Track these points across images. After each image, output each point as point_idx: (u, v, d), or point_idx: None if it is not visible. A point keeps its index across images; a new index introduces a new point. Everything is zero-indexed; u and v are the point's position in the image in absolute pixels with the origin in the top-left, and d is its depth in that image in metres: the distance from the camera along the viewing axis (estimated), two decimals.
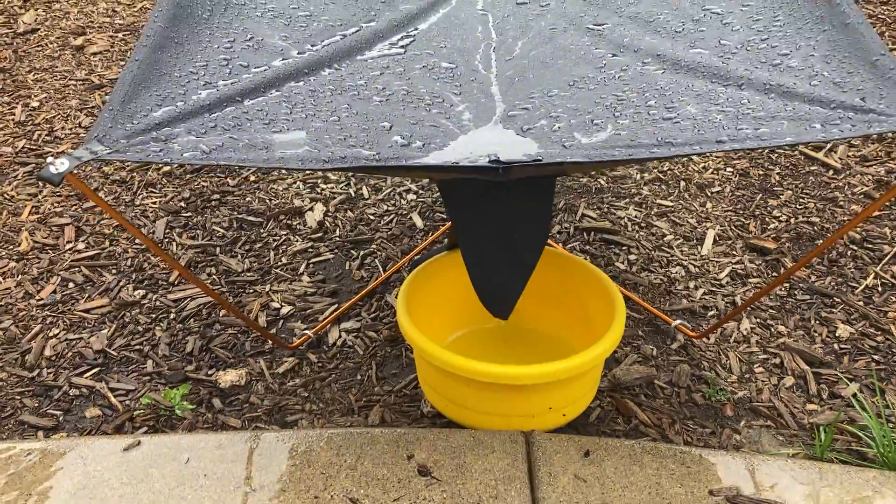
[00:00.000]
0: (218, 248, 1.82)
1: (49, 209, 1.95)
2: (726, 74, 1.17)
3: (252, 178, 2.08)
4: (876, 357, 1.46)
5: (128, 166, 2.10)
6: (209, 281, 1.71)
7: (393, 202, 1.99)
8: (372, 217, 1.93)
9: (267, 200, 1.98)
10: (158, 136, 1.02)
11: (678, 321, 1.51)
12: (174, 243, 1.84)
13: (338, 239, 1.85)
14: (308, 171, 2.10)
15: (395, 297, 1.59)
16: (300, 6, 1.43)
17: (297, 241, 1.84)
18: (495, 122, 1.20)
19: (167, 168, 2.12)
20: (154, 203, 1.99)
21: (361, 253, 1.80)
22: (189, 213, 1.94)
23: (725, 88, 1.14)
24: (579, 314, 1.44)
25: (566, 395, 1.25)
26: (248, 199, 2.00)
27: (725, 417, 1.35)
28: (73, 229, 1.89)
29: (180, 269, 1.16)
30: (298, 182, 2.06)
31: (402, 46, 1.38)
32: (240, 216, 1.93)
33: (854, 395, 1.37)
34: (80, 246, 1.83)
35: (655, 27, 1.35)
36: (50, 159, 0.96)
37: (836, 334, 1.52)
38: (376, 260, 1.78)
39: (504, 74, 1.33)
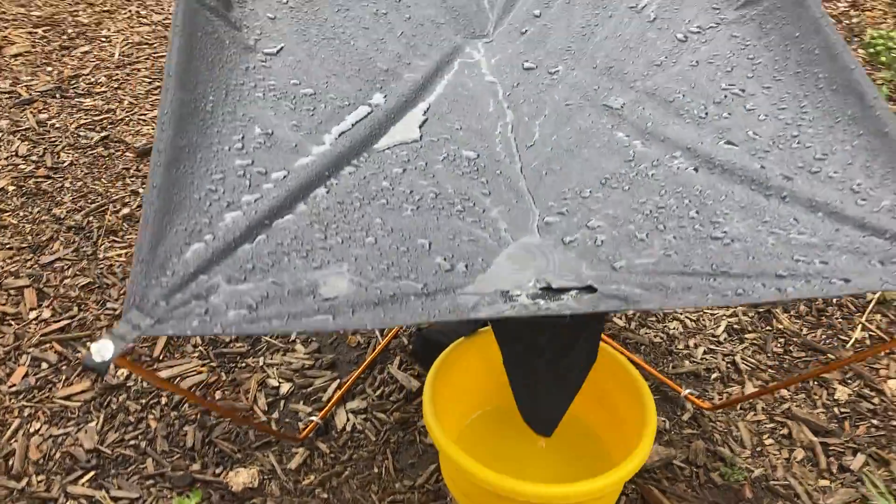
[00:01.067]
0: None
1: (1, 267, 1.79)
2: (766, 182, 1.14)
3: None
4: (875, 421, 1.52)
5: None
6: (196, 353, 1.62)
7: None
8: None
9: None
10: (199, 292, 0.93)
11: (687, 391, 1.52)
12: None
13: None
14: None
15: (423, 390, 1.54)
16: (301, 81, 1.32)
17: None
18: (532, 231, 1.16)
19: (136, 212, 1.97)
20: (118, 255, 1.86)
21: None
22: None
23: (768, 200, 1.12)
24: (599, 395, 1.43)
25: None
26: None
27: (745, 500, 1.37)
28: (35, 292, 1.74)
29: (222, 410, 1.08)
30: None
31: (419, 131, 1.31)
32: None
33: (862, 469, 1.42)
34: (46, 314, 1.69)
35: (677, 109, 1.31)
36: (91, 345, 0.87)
37: (835, 397, 1.57)
38: None
39: (530, 166, 1.27)
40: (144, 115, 2.35)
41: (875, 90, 1.21)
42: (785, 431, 1.48)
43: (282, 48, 1.37)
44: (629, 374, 1.36)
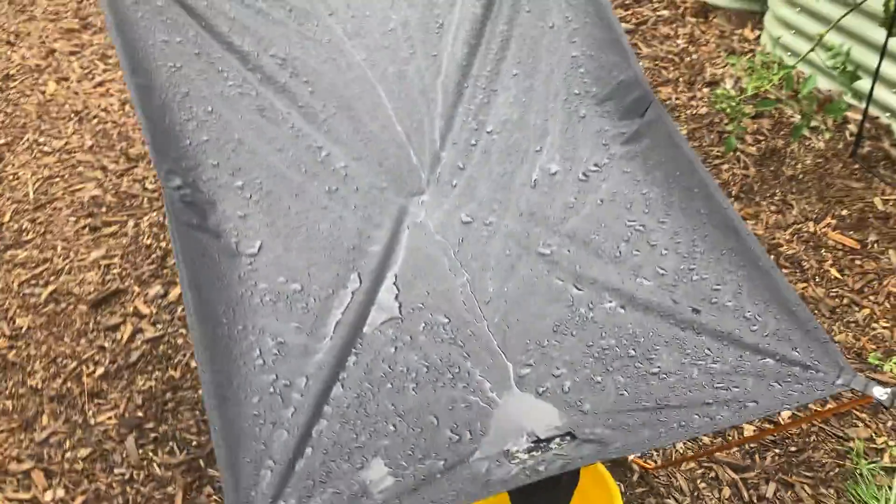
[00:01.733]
0: (202, 461, 1.91)
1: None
2: (680, 315, 1.47)
3: (194, 363, 2.14)
4: (776, 450, 1.91)
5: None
6: (211, 502, 1.81)
7: None
8: None
9: None
10: None
11: (632, 455, 1.86)
12: (155, 465, 1.90)
13: None
14: None
15: None
16: (287, 278, 1.54)
17: None
18: (511, 386, 1.44)
19: (110, 368, 2.11)
20: (109, 419, 2.01)
21: None
22: (151, 424, 1.99)
23: (685, 333, 1.45)
24: None
25: None
26: (200, 391, 2.07)
27: None
28: (41, 473, 1.88)
29: None
30: None
31: (396, 304, 1.56)
32: (205, 416, 2.01)
33: (775, 495, 1.81)
34: (60, 492, 1.84)
35: (595, 250, 1.62)
36: None
37: (744, 433, 1.96)
38: None
39: (493, 322, 1.55)
40: (83, 259, 2.47)
41: (745, 226, 1.57)
42: (713, 475, 1.85)
43: (261, 246, 1.59)
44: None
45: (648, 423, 1.33)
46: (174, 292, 2.32)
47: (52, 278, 2.40)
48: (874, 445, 1.87)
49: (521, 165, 1.79)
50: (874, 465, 1.82)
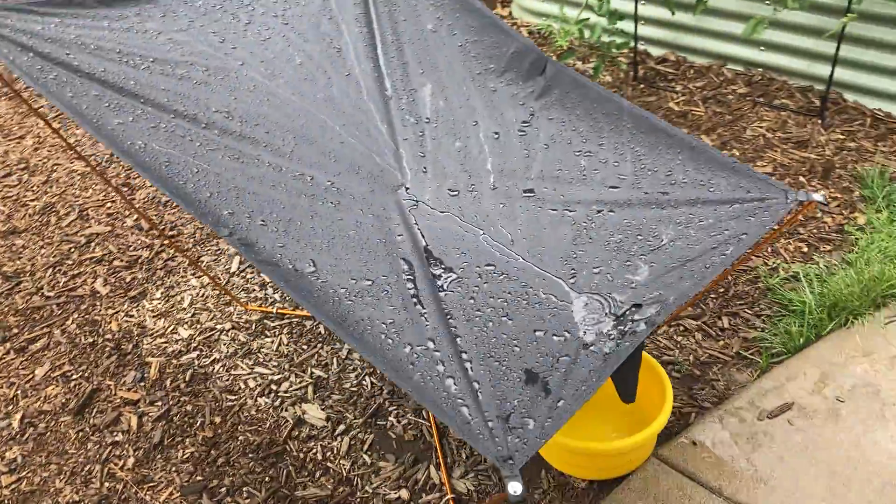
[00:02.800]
0: (284, 490, 1.99)
1: None
2: (655, 200, 1.91)
3: (218, 419, 2.18)
4: (713, 296, 2.43)
5: None
6: None
7: None
8: None
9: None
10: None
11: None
12: None
13: None
14: None
15: None
16: (356, 277, 1.74)
17: None
18: (570, 292, 1.77)
19: (139, 455, 2.08)
20: (171, 494, 2.00)
21: None
22: (215, 482, 2.02)
23: (665, 210, 1.89)
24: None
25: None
26: (242, 438, 2.12)
27: None
28: None
29: None
30: None
31: (448, 268, 1.81)
32: (262, 454, 2.07)
33: None
34: None
35: (566, 180, 2.00)
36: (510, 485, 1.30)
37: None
38: None
39: (525, 256, 1.87)
40: (31, 380, 2.36)
41: (666, 123, 2.03)
42: (682, 328, 2.32)
43: (313, 262, 1.76)
44: (652, 367, 2.04)
45: (685, 275, 1.74)
46: (152, 371, 2.32)
47: (11, 408, 2.27)
48: (770, 267, 2.43)
49: (468, 139, 2.13)
50: (777, 278, 2.40)
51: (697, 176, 1.92)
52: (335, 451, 2.06)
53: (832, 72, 2.95)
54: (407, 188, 2.06)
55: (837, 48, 2.88)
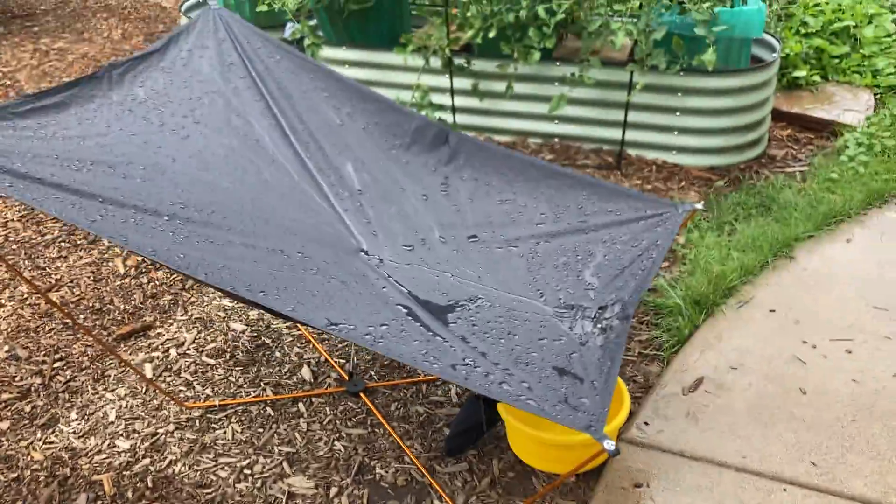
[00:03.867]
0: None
1: None
2: (576, 228, 2.29)
3: None
4: None
5: None
6: None
7: None
8: None
9: None
10: None
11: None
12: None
13: None
14: None
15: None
16: (369, 323, 1.90)
17: None
18: (549, 310, 2.07)
19: None
20: None
21: None
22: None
23: (587, 234, 2.28)
24: None
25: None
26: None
27: None
28: None
29: None
30: None
31: (445, 304, 2.03)
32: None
33: None
34: None
35: (499, 224, 2.32)
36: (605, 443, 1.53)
37: None
38: None
39: (497, 283, 2.14)
40: None
41: (563, 168, 2.45)
42: None
43: (328, 318, 1.89)
44: None
45: (628, 278, 2.13)
46: (106, 487, 2.18)
47: None
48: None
49: (401, 203, 2.40)
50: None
51: (604, 205, 2.35)
52: None
53: (623, 133, 3.65)
54: (365, 251, 2.26)
55: (626, 114, 3.59)
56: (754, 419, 2.29)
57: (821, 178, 3.59)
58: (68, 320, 2.88)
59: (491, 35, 3.40)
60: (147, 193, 2.11)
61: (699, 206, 2.17)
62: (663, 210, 2.25)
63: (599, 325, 2.02)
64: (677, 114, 3.68)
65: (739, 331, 2.65)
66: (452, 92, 3.86)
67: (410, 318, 2.01)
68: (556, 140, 3.96)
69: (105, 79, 2.44)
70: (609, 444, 1.57)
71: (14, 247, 3.35)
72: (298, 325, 2.84)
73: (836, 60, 4.75)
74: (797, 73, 4.52)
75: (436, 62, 3.80)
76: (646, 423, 2.32)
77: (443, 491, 2.17)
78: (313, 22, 4.28)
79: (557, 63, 3.69)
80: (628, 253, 2.20)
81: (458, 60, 3.79)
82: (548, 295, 2.13)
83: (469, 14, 3.42)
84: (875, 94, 4.50)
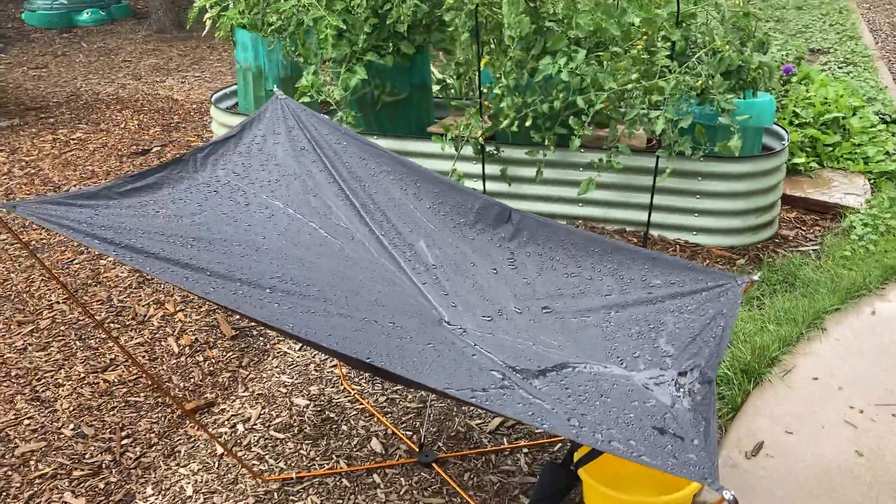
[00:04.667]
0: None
1: None
2: (644, 299, 2.44)
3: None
4: None
5: None
6: None
7: None
8: None
9: None
10: None
11: None
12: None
13: None
14: None
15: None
16: (451, 384, 2.00)
17: None
18: (624, 371, 2.19)
19: None
20: None
21: None
22: None
23: (655, 305, 2.41)
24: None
25: None
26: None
27: None
28: None
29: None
30: None
31: (532, 362, 2.13)
32: None
33: None
34: None
35: (570, 295, 2.46)
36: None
37: None
38: None
39: (574, 344, 2.25)
40: None
41: (622, 241, 2.61)
42: None
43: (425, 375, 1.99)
44: None
45: (701, 345, 2.27)
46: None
47: None
48: None
49: (475, 276, 2.54)
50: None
51: (666, 277, 2.50)
52: None
53: (649, 215, 3.85)
54: (448, 321, 2.38)
55: (651, 197, 3.80)
56: (819, 481, 2.40)
57: (836, 255, 3.80)
58: (132, 397, 2.92)
59: (527, 124, 3.61)
60: (248, 268, 2.22)
61: (756, 277, 2.32)
62: (723, 281, 2.40)
63: (683, 390, 2.13)
64: (697, 197, 3.90)
65: (789, 398, 2.78)
66: (484, 177, 4.05)
67: (506, 382, 2.11)
68: (580, 222, 4.15)
69: (190, 161, 2.58)
70: (728, 494, 1.67)
71: (62, 328, 3.39)
72: (360, 399, 2.91)
73: (830, 148, 5.07)
74: (796, 160, 4.81)
75: (467, 150, 4.01)
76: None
77: None
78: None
79: (582, 150, 3.92)
80: (697, 322, 2.33)
81: (489, 148, 3.99)
82: (628, 362, 2.25)
83: (504, 105, 3.64)
84: (869, 179, 4.79)
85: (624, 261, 2.56)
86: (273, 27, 4.27)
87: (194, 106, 6.62)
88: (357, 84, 3.80)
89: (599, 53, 3.44)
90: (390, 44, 4.07)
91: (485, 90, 3.86)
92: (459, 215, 2.74)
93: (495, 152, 4.02)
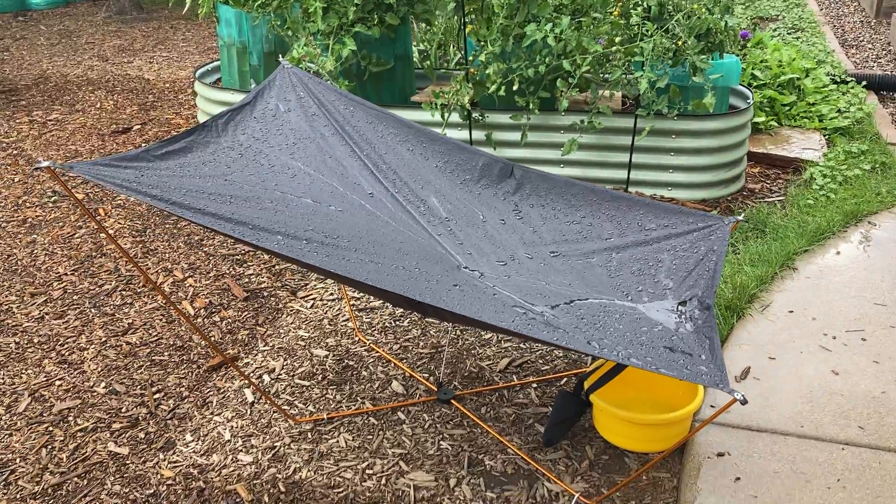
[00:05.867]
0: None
1: None
2: (643, 239, 2.67)
3: None
4: None
5: None
6: None
7: None
8: None
9: None
10: None
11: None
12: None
13: None
14: None
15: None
16: (478, 310, 2.21)
17: None
18: (641, 303, 2.42)
19: None
20: None
21: None
22: None
23: (660, 243, 2.65)
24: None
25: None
26: None
27: None
28: None
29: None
30: None
31: (547, 294, 2.35)
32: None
33: None
34: None
35: (574, 240, 2.69)
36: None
37: None
38: None
39: (587, 289, 2.48)
40: None
41: (618, 190, 2.83)
42: None
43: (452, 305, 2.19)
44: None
45: (697, 277, 2.51)
46: (243, 494, 2.37)
47: None
48: None
49: (484, 227, 2.74)
50: None
51: (661, 221, 2.74)
52: (464, 498, 2.36)
53: (629, 172, 4.09)
54: (466, 267, 2.58)
55: (630, 155, 4.04)
56: (801, 396, 2.67)
57: (800, 204, 4.10)
58: (156, 356, 3.07)
59: (514, 88, 3.82)
60: (284, 222, 2.39)
61: (741, 218, 2.57)
62: (712, 222, 2.64)
63: (684, 316, 2.37)
64: (672, 154, 4.15)
65: (769, 329, 3.05)
66: (471, 143, 4.24)
67: (527, 315, 2.32)
68: None
69: (213, 128, 2.72)
70: (738, 395, 1.91)
71: (76, 297, 3.51)
72: (376, 348, 3.10)
73: (787, 108, 5.38)
74: (757, 119, 5.11)
75: (453, 117, 4.19)
76: (712, 406, 2.67)
77: (550, 474, 2.45)
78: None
79: (564, 113, 4.13)
80: (691, 258, 2.57)
81: (475, 114, 4.19)
82: (633, 295, 2.48)
83: (490, 71, 3.83)
84: (824, 135, 5.11)
85: (620, 208, 2.78)
86: (258, 2, 4.38)
87: (167, 85, 6.67)
88: (348, 54, 3.95)
89: (581, 19, 3.65)
90: (375, 16, 4.23)
91: (470, 58, 4.04)
92: (465, 172, 2.93)
93: (480, 118, 4.21)
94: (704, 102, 3.65)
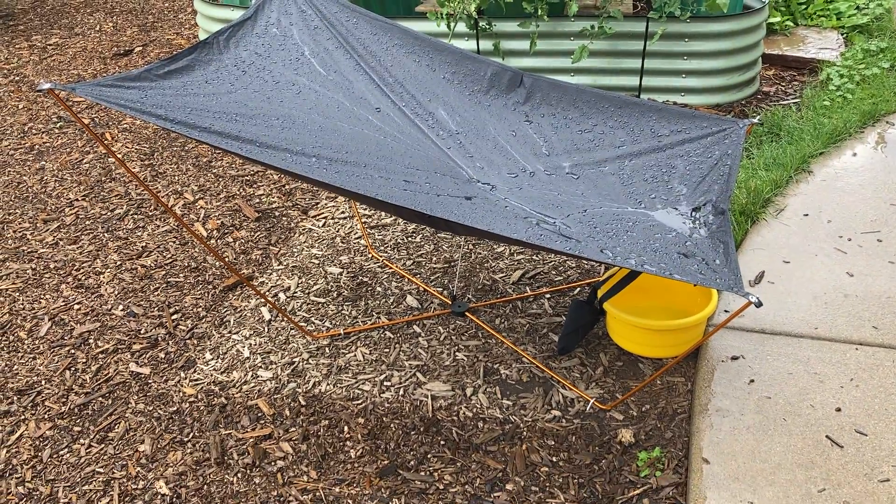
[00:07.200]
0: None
1: None
2: (657, 145, 2.63)
3: None
4: None
5: None
6: None
7: None
8: None
9: None
10: None
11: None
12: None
13: None
14: None
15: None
16: (489, 226, 2.20)
17: None
18: (655, 211, 2.40)
19: None
20: None
21: None
22: None
23: (673, 149, 2.61)
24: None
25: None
26: None
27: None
28: None
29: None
30: None
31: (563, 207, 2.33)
32: None
33: None
34: None
35: (587, 149, 2.65)
36: None
37: None
38: None
39: (606, 201, 2.46)
40: None
41: (632, 96, 2.77)
42: None
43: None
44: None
45: (711, 182, 2.47)
46: (264, 408, 2.42)
47: (152, 479, 2.22)
48: None
49: (495, 139, 2.70)
50: None
51: (674, 126, 2.69)
52: (481, 406, 2.41)
53: (641, 78, 4.00)
54: (477, 180, 2.55)
55: (642, 61, 3.94)
56: (815, 299, 2.68)
57: (816, 106, 4.01)
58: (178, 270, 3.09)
59: None
60: (291, 139, 2.36)
61: (756, 120, 2.51)
62: (726, 126, 2.59)
63: (698, 222, 2.35)
64: (685, 58, 4.05)
65: (783, 233, 3.03)
66: (479, 53, 4.14)
67: (540, 226, 2.30)
68: None
69: (214, 44, 2.66)
70: (753, 298, 1.91)
71: (88, 223, 3.52)
72: (389, 264, 3.11)
73: (803, 6, 5.21)
74: (772, 20, 4.95)
75: (459, 27, 4.08)
76: (725, 311, 2.68)
77: (565, 381, 2.49)
78: None
79: (573, 19, 4.02)
80: (705, 163, 2.54)
81: (482, 23, 4.08)
82: (646, 202, 2.45)
83: None
84: (842, 34, 4.96)
85: (633, 114, 2.73)
86: None
87: (167, 5, 6.52)
88: None
89: None
90: None
91: None
92: (473, 83, 2.87)
93: (487, 27, 4.10)
94: (718, 2, 3.54)
